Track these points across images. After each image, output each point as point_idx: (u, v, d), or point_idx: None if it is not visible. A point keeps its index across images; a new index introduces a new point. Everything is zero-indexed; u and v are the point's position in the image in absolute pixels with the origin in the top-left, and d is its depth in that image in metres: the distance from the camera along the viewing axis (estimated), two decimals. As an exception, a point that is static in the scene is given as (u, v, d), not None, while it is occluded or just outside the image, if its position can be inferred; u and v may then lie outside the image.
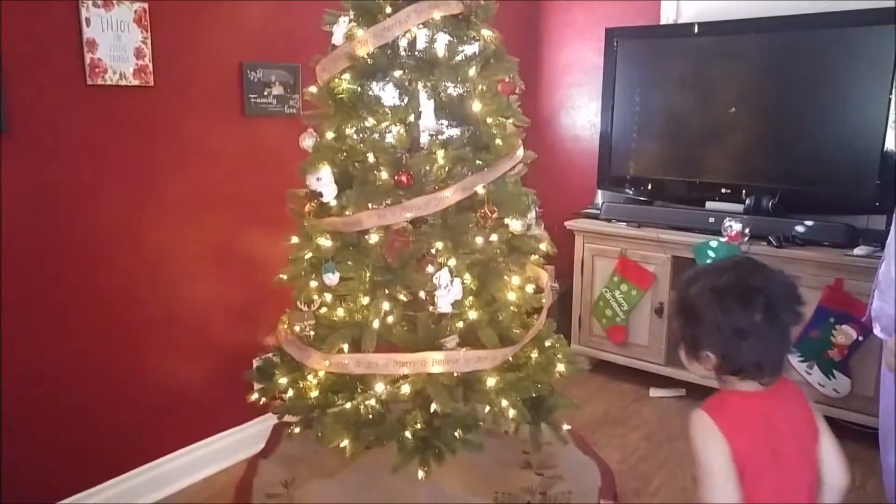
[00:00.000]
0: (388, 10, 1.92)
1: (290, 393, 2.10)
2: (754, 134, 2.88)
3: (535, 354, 2.14)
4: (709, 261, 2.77)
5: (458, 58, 1.97)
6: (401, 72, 1.97)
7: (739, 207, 2.83)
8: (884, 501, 1.83)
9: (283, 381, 2.09)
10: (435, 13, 1.90)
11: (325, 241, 2.01)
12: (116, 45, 1.94)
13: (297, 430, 2.17)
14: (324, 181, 1.96)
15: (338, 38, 1.99)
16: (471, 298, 1.95)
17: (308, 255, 2.05)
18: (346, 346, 1.97)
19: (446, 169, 1.93)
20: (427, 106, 1.96)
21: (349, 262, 1.97)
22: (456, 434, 1.95)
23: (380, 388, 1.95)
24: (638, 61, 3.14)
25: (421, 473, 1.92)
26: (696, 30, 2.96)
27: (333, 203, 1.97)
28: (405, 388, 1.89)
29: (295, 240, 2.12)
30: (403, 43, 1.96)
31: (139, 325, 2.09)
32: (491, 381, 1.97)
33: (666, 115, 3.11)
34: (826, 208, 2.70)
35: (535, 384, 2.10)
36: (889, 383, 1.72)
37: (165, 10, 2.03)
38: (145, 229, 2.08)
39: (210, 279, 2.28)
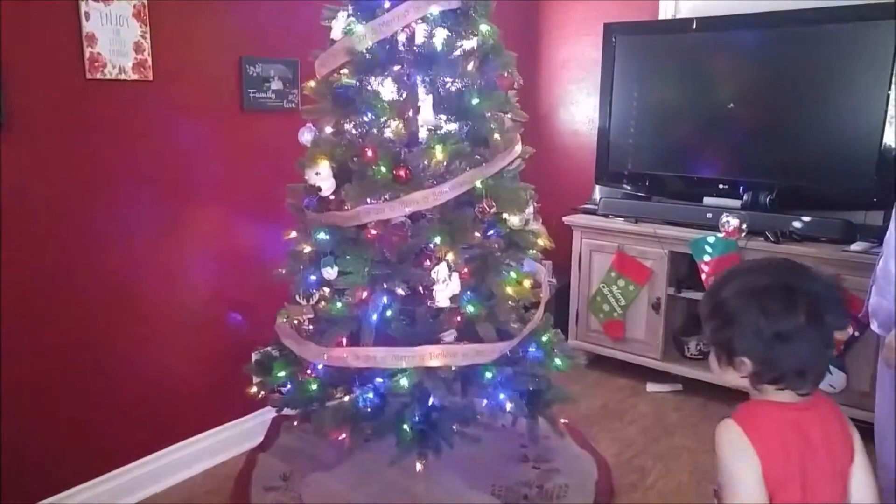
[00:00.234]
0: (387, 4, 1.93)
1: (289, 386, 2.11)
2: (752, 129, 2.89)
3: (532, 349, 2.15)
4: (706, 257, 2.79)
5: (457, 53, 1.97)
6: (399, 66, 1.97)
7: (737, 203, 2.84)
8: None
9: (281, 374, 2.10)
10: (433, 8, 1.91)
11: (323, 236, 2.02)
12: (116, 39, 1.94)
13: (295, 423, 2.19)
14: (322, 175, 1.96)
15: (336, 33, 2.00)
16: (469, 293, 1.96)
17: (307, 250, 2.06)
18: (344, 340, 1.98)
19: (445, 164, 1.93)
20: (425, 101, 1.96)
21: (348, 257, 1.98)
22: (454, 427, 1.96)
23: (378, 381, 1.96)
24: (636, 57, 3.14)
25: (419, 466, 1.94)
26: (694, 25, 2.96)
27: (332, 197, 1.98)
28: (404, 382, 1.90)
29: (294, 234, 2.13)
30: (402, 38, 1.96)
31: (137, 319, 2.10)
32: (489, 375, 1.98)
33: (664, 110, 3.11)
34: (823, 204, 2.71)
35: (533, 378, 2.11)
36: (886, 379, 1.72)
37: (164, 5, 2.04)
38: (144, 223, 2.09)
39: (208, 273, 2.29)
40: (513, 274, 2.08)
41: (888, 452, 1.74)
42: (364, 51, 1.91)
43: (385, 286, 1.98)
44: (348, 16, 1.97)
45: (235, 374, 2.21)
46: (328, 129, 2.07)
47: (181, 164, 2.16)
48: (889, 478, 1.74)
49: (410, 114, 1.96)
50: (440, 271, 1.90)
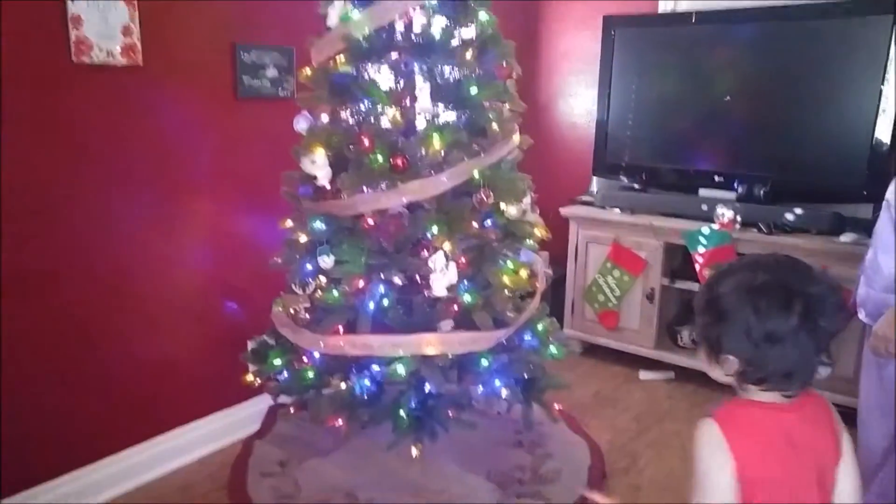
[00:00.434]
0: (385, -9, 1.92)
1: (285, 374, 2.12)
2: (748, 122, 2.90)
3: (528, 337, 2.17)
4: (700, 248, 2.81)
5: (455, 41, 1.97)
6: (396, 54, 1.97)
7: (732, 195, 2.86)
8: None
9: (277, 362, 2.11)
10: (432, -4, 1.90)
11: (319, 225, 2.02)
12: (103, 21, 1.89)
13: (292, 410, 2.20)
14: (318, 164, 1.96)
15: (333, 19, 1.99)
16: (466, 282, 1.97)
17: (303, 239, 2.07)
18: (340, 329, 1.99)
19: (442, 153, 1.94)
20: (423, 89, 1.96)
21: (344, 246, 1.98)
22: (450, 413, 1.98)
23: (375, 369, 1.98)
24: (635, 50, 3.14)
25: (415, 451, 1.96)
26: (693, 19, 2.97)
27: (328, 186, 1.98)
28: (400, 370, 1.91)
29: (290, 223, 2.13)
30: (400, 25, 1.95)
31: (132, 308, 2.10)
32: (485, 363, 2.00)
33: (661, 103, 3.12)
34: (815, 197, 2.73)
35: (528, 366, 2.13)
36: (871, 367, 1.76)
37: (155, -12, 2.01)
38: (136, 212, 2.08)
39: (204, 262, 2.29)
40: (510, 264, 2.09)
41: (870, 436, 1.78)
42: (361, 38, 1.90)
43: (382, 276, 1.98)
44: (345, 2, 1.96)
45: (232, 363, 2.21)
46: (324, 117, 2.07)
47: (175, 151, 2.15)
48: (869, 459, 1.78)
49: (408, 102, 1.95)
50: (437, 261, 1.91)
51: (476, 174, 1.95)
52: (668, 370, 3.07)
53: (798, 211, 2.68)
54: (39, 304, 1.88)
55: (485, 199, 1.94)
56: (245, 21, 2.28)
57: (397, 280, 2.00)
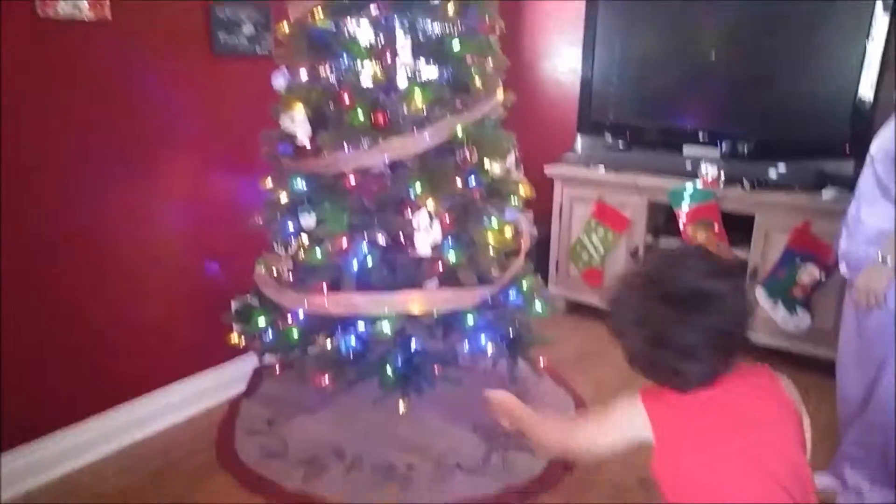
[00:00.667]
0: (363, -58, 1.86)
1: (270, 334, 2.13)
2: (732, 79, 2.89)
3: (513, 295, 2.18)
4: (684, 206, 2.82)
5: (436, -6, 1.92)
6: (376, 8, 1.92)
7: (716, 152, 2.86)
8: (836, 425, 1.94)
9: (261, 322, 2.11)
10: (412, -54, 1.85)
11: (300, 184, 2.00)
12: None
13: (278, 369, 2.21)
14: (298, 121, 1.93)
15: (311, -28, 1.93)
16: (450, 240, 1.97)
17: (284, 198, 2.04)
18: (324, 288, 1.98)
19: (424, 110, 1.91)
20: (404, 44, 1.92)
21: (326, 205, 1.97)
22: (435, 370, 2.01)
23: (360, 327, 1.99)
24: (620, 7, 3.09)
25: (402, 407, 1.99)
26: (678, -27, 2.92)
27: (308, 145, 1.95)
28: (385, 328, 1.92)
29: (270, 183, 2.10)
30: (379, -23, 1.90)
31: (111, 270, 2.08)
32: (470, 320, 2.02)
33: (646, 60, 3.09)
34: (799, 153, 2.74)
35: (513, 323, 2.15)
36: (849, 318, 1.80)
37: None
38: (112, 173, 2.03)
39: (184, 223, 2.26)
40: (494, 222, 2.09)
41: (848, 386, 1.84)
42: (339, -9, 1.85)
43: (365, 235, 1.98)
44: (323, -46, 1.90)
45: (216, 324, 2.21)
46: (303, 74, 2.02)
47: (150, 111, 2.10)
48: (848, 407, 1.84)
49: (388, 58, 1.92)
50: (421, 219, 1.90)
51: (459, 131, 1.93)
52: (650, 327, 3.11)
53: (781, 167, 2.70)
54: (14, 269, 1.85)
55: (468, 156, 1.93)
56: (219, -26, 2.20)
57: (381, 239, 1.99)
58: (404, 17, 1.92)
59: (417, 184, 1.89)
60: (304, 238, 2.04)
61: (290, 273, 2.09)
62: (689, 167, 2.87)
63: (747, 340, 1.05)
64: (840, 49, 2.60)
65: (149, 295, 2.19)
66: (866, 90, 2.54)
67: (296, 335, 2.05)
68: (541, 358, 2.28)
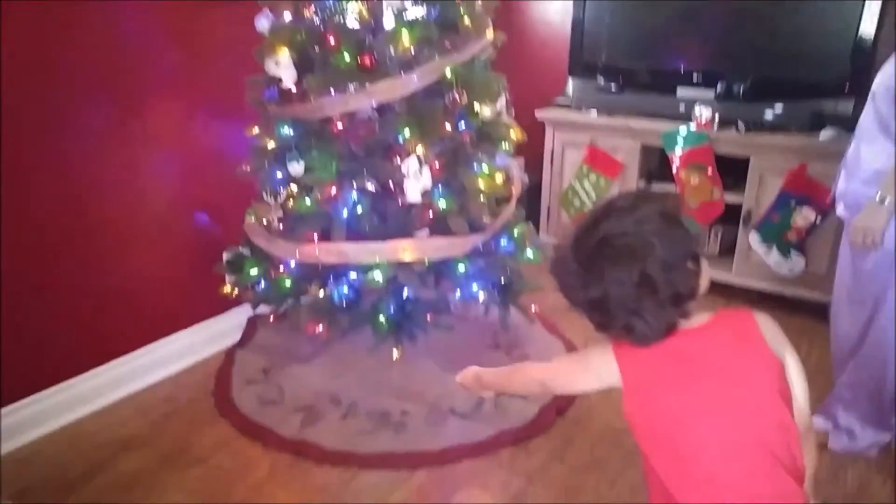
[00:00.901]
0: None
1: (263, 284, 2.12)
2: (728, 17, 2.79)
3: (504, 242, 2.17)
4: (677, 149, 2.79)
5: (422, -74, 1.83)
6: (360, -58, 1.83)
7: (710, 94, 2.80)
8: (828, 367, 1.97)
9: (254, 272, 2.10)
10: None
11: (287, 130, 1.95)
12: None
13: (272, 319, 2.22)
14: (282, 65, 1.87)
15: None
16: (440, 187, 1.94)
17: (271, 145, 2.00)
18: (315, 237, 1.97)
19: (412, 51, 1.85)
20: (390, -19, 1.84)
21: (314, 152, 1.93)
22: (428, 318, 2.02)
23: (352, 276, 1.98)
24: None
25: (395, 354, 2.00)
26: None
27: (294, 89, 1.90)
28: (377, 276, 1.91)
29: (256, 129, 2.05)
30: None
31: (100, 224, 2.04)
32: (461, 268, 2.01)
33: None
34: (797, 93, 2.68)
35: (505, 270, 2.15)
36: (846, 260, 1.79)
37: None
38: (93, 122, 1.96)
39: (170, 174, 2.20)
40: (485, 168, 2.06)
41: (842, 328, 1.85)
42: (321, -76, 1.75)
43: (354, 183, 1.94)
44: None
45: (209, 275, 2.20)
46: (287, 16, 1.95)
47: (131, 55, 2.02)
48: (841, 349, 1.86)
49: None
50: (410, 165, 1.87)
51: (448, 73, 1.88)
52: (642, 272, 3.12)
53: (778, 108, 2.65)
54: (10, 224, 1.81)
55: (457, 98, 1.88)
56: None
57: (370, 186, 1.96)
58: (389, -49, 1.84)
59: (406, 129, 1.85)
60: (293, 186, 2.01)
61: (280, 222, 2.07)
62: (682, 109, 2.82)
63: (692, 286, 0.99)
64: (841, -17, 2.52)
65: (139, 248, 2.16)
66: (868, 26, 2.47)
67: (288, 285, 2.05)
68: (532, 305, 2.28)
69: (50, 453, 1.88)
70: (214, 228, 2.35)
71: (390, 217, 2.00)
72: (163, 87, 2.13)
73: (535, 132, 3.02)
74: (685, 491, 0.99)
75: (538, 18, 3.47)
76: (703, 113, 2.73)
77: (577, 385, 1.18)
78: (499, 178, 2.10)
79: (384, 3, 1.86)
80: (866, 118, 1.66)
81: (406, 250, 1.92)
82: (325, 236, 1.97)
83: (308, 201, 1.95)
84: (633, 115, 2.95)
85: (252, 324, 2.48)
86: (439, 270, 2.03)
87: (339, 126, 1.88)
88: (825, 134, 2.53)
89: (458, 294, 2.08)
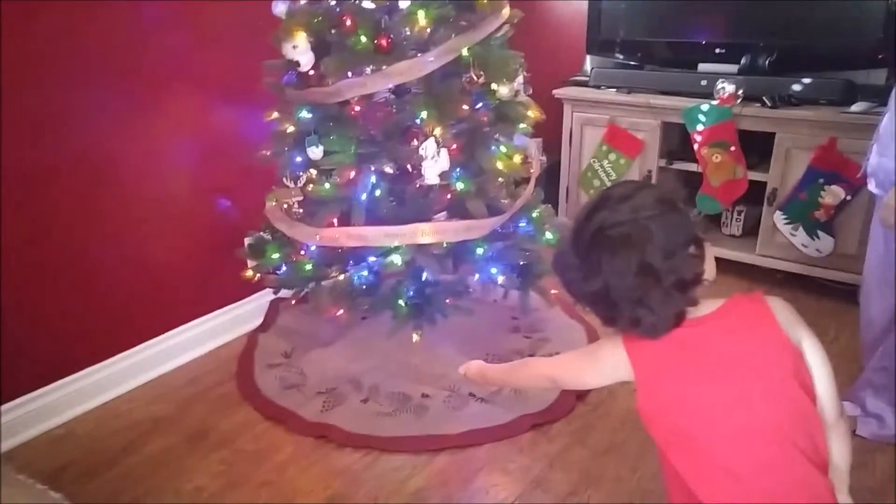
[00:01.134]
0: None
1: (284, 268, 2.13)
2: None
3: (523, 224, 2.16)
4: (699, 126, 2.72)
5: None
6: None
7: (734, 68, 2.73)
8: (857, 351, 1.93)
9: (275, 256, 2.12)
10: None
11: (305, 114, 1.94)
12: None
13: (293, 303, 2.23)
14: (300, 49, 1.86)
15: None
16: (458, 169, 1.92)
17: (290, 129, 1.99)
18: (335, 221, 1.97)
19: (428, 31, 1.82)
20: (405, -41, 1.81)
21: (332, 136, 1.92)
22: (447, 301, 2.01)
23: (372, 259, 1.98)
24: None
25: (415, 337, 2.01)
26: None
27: (312, 72, 1.88)
28: (396, 260, 1.91)
29: (275, 114, 2.05)
30: None
31: (120, 211, 2.05)
32: (480, 251, 2.00)
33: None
34: (826, 64, 2.60)
35: (524, 252, 2.13)
36: (877, 239, 1.74)
37: None
38: (110, 110, 1.96)
39: (190, 159, 2.21)
40: (503, 148, 2.04)
41: (873, 310, 1.80)
42: None
43: (372, 166, 1.93)
44: None
45: (230, 260, 2.22)
46: (302, -2, 1.93)
47: (149, 40, 2.01)
48: (871, 332, 1.82)
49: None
50: (428, 148, 1.85)
51: (465, 52, 1.85)
52: (663, 252, 3.08)
53: (806, 81, 2.57)
54: (22, 211, 1.83)
55: (475, 78, 1.85)
56: None
57: (388, 169, 1.95)
58: (404, -71, 1.80)
59: (424, 111, 1.83)
60: (313, 171, 2.01)
61: (301, 206, 2.07)
62: (704, 84, 2.74)
63: (696, 271, 0.95)
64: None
65: (161, 234, 2.18)
66: (900, -7, 2.37)
67: (309, 268, 2.06)
68: (552, 289, 2.27)
69: (80, 433, 1.94)
70: (236, 213, 2.36)
71: (409, 200, 1.99)
72: (181, 74, 2.13)
73: (552, 111, 2.97)
74: (704, 484, 0.97)
75: (556, -6, 3.41)
76: (725, 87, 2.65)
77: (587, 380, 1.16)
78: (517, 158, 2.07)
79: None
80: None
81: (425, 234, 1.91)
82: (345, 220, 1.97)
83: (328, 185, 1.95)
84: (653, 92, 2.89)
85: (273, 308, 2.50)
86: (458, 253, 2.02)
87: (357, 109, 1.86)
88: (858, 106, 2.44)
89: (476, 277, 2.07)
